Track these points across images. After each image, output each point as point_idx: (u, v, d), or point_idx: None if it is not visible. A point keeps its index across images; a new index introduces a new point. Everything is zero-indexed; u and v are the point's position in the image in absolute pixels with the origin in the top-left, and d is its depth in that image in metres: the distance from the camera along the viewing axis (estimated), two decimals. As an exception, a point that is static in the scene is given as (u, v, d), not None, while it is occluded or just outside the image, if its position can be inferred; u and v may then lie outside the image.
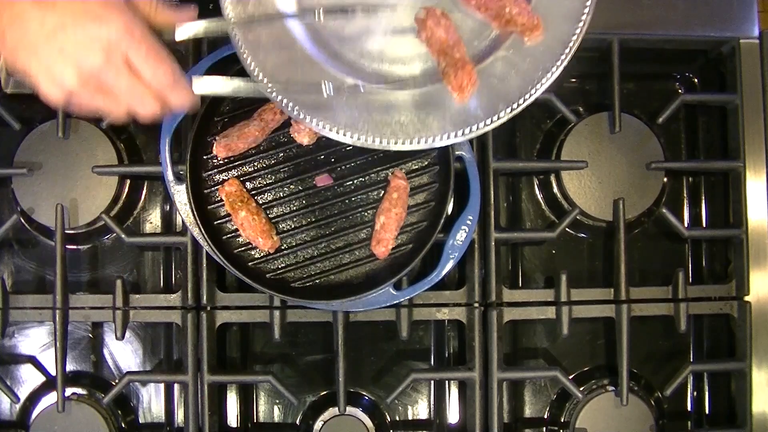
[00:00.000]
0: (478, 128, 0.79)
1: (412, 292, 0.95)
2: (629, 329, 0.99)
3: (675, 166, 1.07)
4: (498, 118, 0.79)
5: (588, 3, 0.80)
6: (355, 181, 0.97)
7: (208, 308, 1.00)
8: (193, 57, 1.00)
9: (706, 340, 1.08)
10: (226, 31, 0.79)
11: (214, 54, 0.94)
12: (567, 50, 0.80)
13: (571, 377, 1.04)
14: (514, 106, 0.79)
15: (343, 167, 0.97)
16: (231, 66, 0.93)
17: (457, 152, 0.96)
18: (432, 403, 1.07)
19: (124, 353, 1.06)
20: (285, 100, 0.79)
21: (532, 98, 0.79)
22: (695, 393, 1.07)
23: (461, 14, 0.82)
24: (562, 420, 1.04)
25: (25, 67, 0.69)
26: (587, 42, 1.02)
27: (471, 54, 0.81)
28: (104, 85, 0.70)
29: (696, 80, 1.10)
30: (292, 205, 0.96)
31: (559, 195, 1.05)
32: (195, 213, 0.94)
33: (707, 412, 1.07)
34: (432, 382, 1.07)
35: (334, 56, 0.83)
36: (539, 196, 1.08)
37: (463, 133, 0.79)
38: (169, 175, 0.95)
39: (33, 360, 1.06)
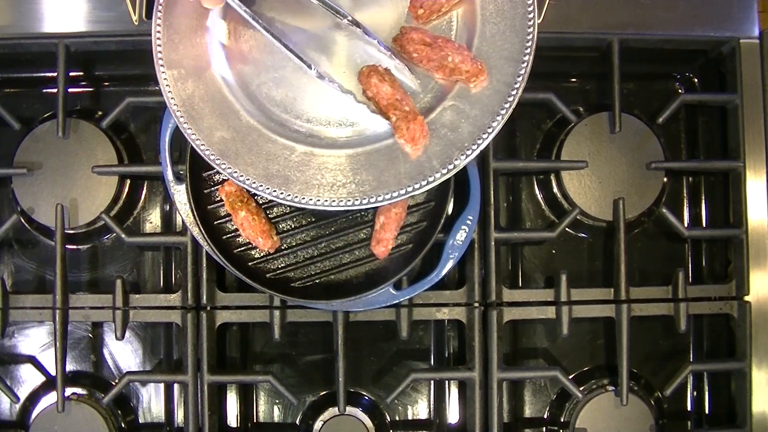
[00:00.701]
0: (434, 179, 0.79)
1: (412, 292, 0.95)
2: (629, 329, 0.99)
3: (675, 166, 1.07)
4: (454, 167, 0.79)
5: (528, 43, 0.80)
6: (355, 181, 0.97)
7: (208, 308, 1.00)
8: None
9: (706, 340, 1.08)
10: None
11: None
12: (514, 92, 0.79)
13: (571, 377, 1.04)
14: (469, 152, 0.79)
15: (343, 167, 0.97)
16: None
17: (457, 152, 0.96)
18: (432, 403, 1.07)
19: (124, 353, 1.06)
20: (237, 173, 0.80)
21: (486, 142, 0.79)
22: (695, 393, 1.07)
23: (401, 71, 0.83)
24: (562, 420, 1.04)
25: None
26: (587, 42, 1.03)
27: (418, 107, 0.82)
28: None
29: (696, 80, 1.10)
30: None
31: (559, 195, 1.05)
32: (195, 213, 0.94)
33: (707, 412, 1.07)
34: (432, 382, 1.07)
35: (280, 125, 0.83)
36: (539, 196, 1.08)
37: (420, 186, 0.79)
38: (169, 175, 0.95)
39: (33, 360, 1.06)
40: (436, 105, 0.82)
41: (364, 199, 0.80)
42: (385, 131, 0.81)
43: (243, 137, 0.82)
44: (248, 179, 0.81)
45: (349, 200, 0.80)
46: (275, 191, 0.81)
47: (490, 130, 0.79)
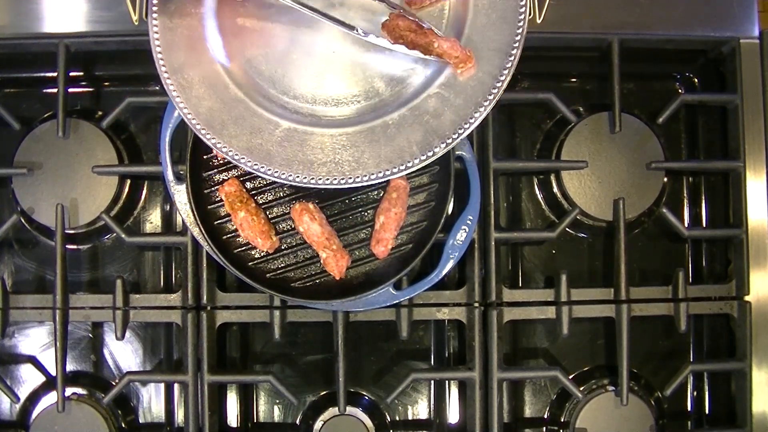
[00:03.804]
0: (413, 164, 0.80)
1: (412, 292, 0.95)
2: (629, 329, 0.99)
3: (675, 166, 1.07)
4: (433, 154, 0.80)
5: (518, 37, 0.81)
6: (355, 181, 0.97)
7: (208, 308, 1.00)
8: None
9: (706, 340, 1.08)
10: None
11: None
12: (499, 84, 0.81)
13: (571, 377, 1.04)
14: (449, 141, 0.80)
15: (343, 167, 0.97)
16: None
17: (457, 152, 0.96)
18: (432, 403, 1.07)
19: (124, 353, 1.06)
20: (220, 144, 0.82)
21: (467, 132, 0.79)
22: (695, 393, 1.07)
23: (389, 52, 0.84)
24: (562, 420, 1.04)
25: None
26: (587, 42, 1.03)
27: (406, 92, 0.83)
28: None
29: (696, 80, 1.10)
30: (292, 205, 0.96)
31: (559, 195, 1.05)
32: (195, 213, 0.94)
33: (707, 412, 1.07)
34: (432, 382, 1.07)
35: (267, 99, 0.84)
36: (539, 196, 1.08)
37: (398, 170, 0.81)
38: (169, 175, 0.95)
39: (33, 360, 1.06)
40: (422, 91, 0.82)
41: (342, 179, 0.81)
42: (371, 113, 0.82)
43: (230, 109, 0.84)
44: (231, 151, 0.82)
45: (327, 179, 0.81)
46: (256, 165, 0.82)
47: (471, 120, 0.80)
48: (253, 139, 0.82)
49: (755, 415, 1.00)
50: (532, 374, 1.06)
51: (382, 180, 0.81)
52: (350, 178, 0.81)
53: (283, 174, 0.82)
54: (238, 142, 0.83)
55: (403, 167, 0.81)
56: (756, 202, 1.02)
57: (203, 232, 0.94)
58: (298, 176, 0.82)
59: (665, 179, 1.05)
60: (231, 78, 0.85)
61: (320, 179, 0.82)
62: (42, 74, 1.05)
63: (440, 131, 0.81)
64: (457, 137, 0.80)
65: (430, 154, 0.80)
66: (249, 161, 0.82)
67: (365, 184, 0.82)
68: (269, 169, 0.82)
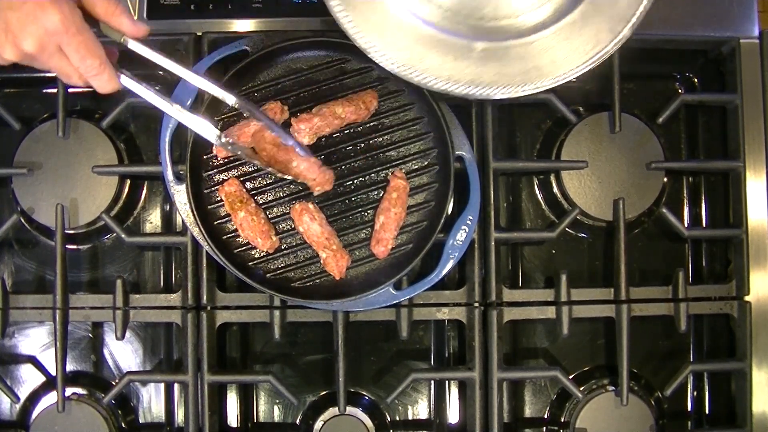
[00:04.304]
0: (609, 50, 0.87)
1: (412, 292, 0.95)
2: (629, 329, 0.99)
3: (675, 166, 1.07)
4: (623, 37, 0.87)
5: None
6: (355, 181, 0.97)
7: (208, 308, 1.00)
8: (194, 56, 1.00)
9: (706, 340, 1.08)
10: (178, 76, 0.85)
11: (215, 53, 0.95)
12: None
13: (571, 377, 1.04)
14: (633, 22, 0.86)
15: (343, 167, 0.97)
16: (231, 66, 0.93)
17: (457, 152, 0.96)
18: (432, 403, 1.07)
19: (124, 353, 1.06)
20: (426, 78, 0.86)
21: (645, 9, 0.85)
22: (695, 393, 1.07)
23: None
24: (562, 420, 1.04)
25: None
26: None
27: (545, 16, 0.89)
28: (36, 61, 0.78)
29: (696, 80, 1.10)
30: (292, 205, 0.96)
31: (559, 195, 1.05)
32: (195, 213, 0.94)
33: (707, 412, 1.07)
34: (432, 382, 1.07)
35: (457, 24, 0.89)
36: (539, 196, 1.08)
37: (597, 58, 0.87)
38: (169, 175, 0.95)
39: (33, 360, 1.06)
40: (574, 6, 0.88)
41: (548, 80, 0.87)
42: (556, 14, 0.89)
43: (424, 43, 0.88)
44: (437, 81, 0.87)
45: (534, 84, 0.87)
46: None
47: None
48: (455, 65, 0.86)
49: (755, 415, 1.00)
50: (532, 374, 1.06)
51: (584, 71, 0.86)
52: (555, 78, 0.87)
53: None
54: (440, 72, 0.86)
55: (600, 55, 0.86)
56: (756, 202, 1.02)
57: (203, 232, 0.94)
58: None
59: (665, 179, 1.05)
60: (419, 17, 0.88)
61: (527, 86, 0.87)
62: (42, 74, 1.05)
63: (622, 14, 0.86)
64: (638, 17, 0.85)
65: (620, 38, 0.86)
66: (457, 86, 0.86)
67: (568, 79, 0.87)
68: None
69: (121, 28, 0.82)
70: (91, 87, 0.82)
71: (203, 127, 0.86)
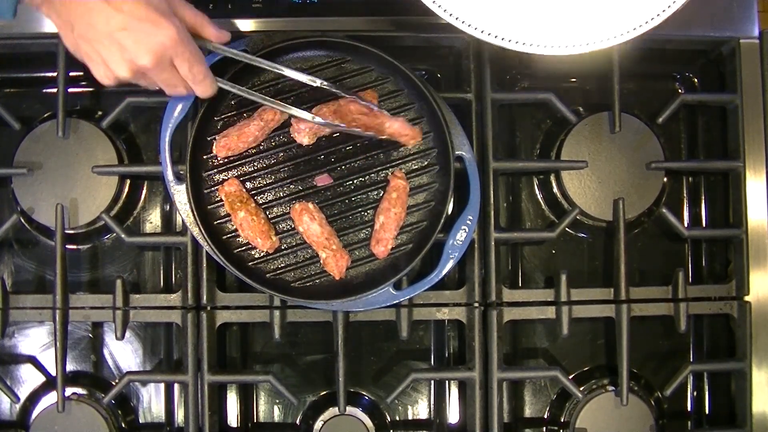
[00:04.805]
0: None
1: (412, 292, 0.95)
2: (629, 329, 0.99)
3: (675, 166, 1.07)
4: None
5: None
6: (355, 181, 0.97)
7: (208, 308, 1.00)
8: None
9: (706, 340, 1.08)
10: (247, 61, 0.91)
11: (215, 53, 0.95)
12: None
13: (571, 377, 1.04)
14: None
15: (343, 167, 0.97)
16: (231, 66, 0.93)
17: (457, 152, 0.96)
18: (432, 403, 1.07)
19: (124, 353, 1.06)
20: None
21: None
22: (695, 393, 1.07)
23: None
24: (562, 420, 1.04)
25: (85, 55, 0.80)
26: (587, 42, 1.03)
27: None
28: (147, 76, 0.82)
29: (696, 80, 1.10)
30: (292, 205, 0.96)
31: (559, 195, 1.05)
32: (195, 213, 0.94)
33: (707, 412, 1.07)
34: (432, 382, 1.07)
35: None
36: (539, 196, 1.08)
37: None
38: (169, 175, 0.95)
39: (33, 360, 1.06)
40: None
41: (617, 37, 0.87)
42: None
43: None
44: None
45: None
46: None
47: None
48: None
49: (755, 415, 1.00)
50: (532, 374, 1.06)
51: (649, 29, 0.87)
52: (622, 34, 0.87)
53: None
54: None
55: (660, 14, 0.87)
56: (756, 202, 1.02)
57: (203, 232, 0.94)
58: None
59: (665, 179, 1.05)
60: None
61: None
62: (42, 74, 1.06)
63: None
64: None
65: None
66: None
67: (635, 36, 0.86)
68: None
69: (209, 36, 0.88)
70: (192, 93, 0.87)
71: (299, 112, 0.91)
